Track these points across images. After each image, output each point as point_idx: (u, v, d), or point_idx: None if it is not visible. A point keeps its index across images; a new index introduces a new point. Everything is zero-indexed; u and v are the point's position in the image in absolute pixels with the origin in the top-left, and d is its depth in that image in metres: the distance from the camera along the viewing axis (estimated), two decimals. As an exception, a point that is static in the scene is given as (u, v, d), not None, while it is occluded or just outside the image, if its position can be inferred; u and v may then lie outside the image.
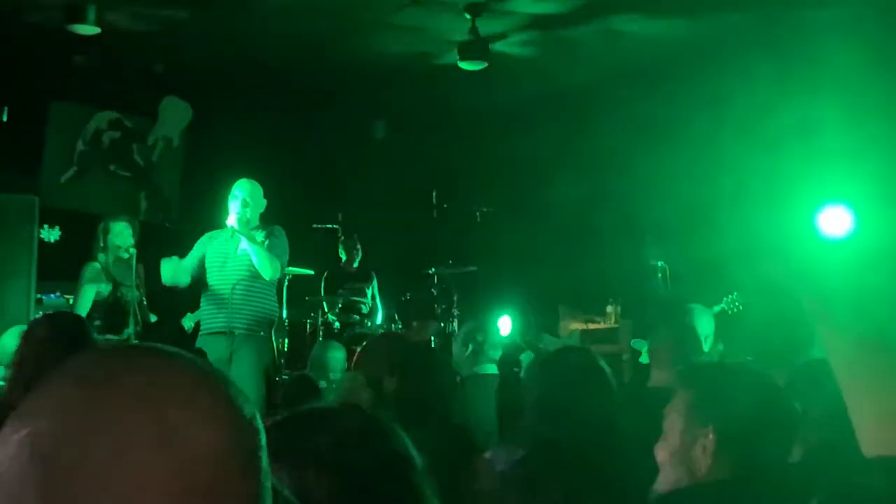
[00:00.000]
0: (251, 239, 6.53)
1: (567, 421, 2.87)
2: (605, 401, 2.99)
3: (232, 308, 6.47)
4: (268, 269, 6.51)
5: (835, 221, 7.24)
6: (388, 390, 3.64)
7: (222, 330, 6.46)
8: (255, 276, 6.54)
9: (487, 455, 3.12)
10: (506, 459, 3.09)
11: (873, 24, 7.14)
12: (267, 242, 6.62)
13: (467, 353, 5.95)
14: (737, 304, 7.34)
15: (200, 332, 6.75)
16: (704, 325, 5.40)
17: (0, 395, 3.80)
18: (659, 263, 7.84)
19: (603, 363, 3.18)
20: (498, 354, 5.96)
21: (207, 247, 6.74)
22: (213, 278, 6.65)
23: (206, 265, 6.69)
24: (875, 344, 4.25)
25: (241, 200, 6.62)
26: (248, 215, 6.64)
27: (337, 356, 6.22)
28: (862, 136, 7.14)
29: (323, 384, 6.04)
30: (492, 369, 5.66)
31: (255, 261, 6.50)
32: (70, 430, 0.75)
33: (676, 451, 2.29)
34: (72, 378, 0.80)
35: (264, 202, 6.84)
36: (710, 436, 2.26)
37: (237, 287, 6.52)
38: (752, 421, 2.29)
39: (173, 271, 6.55)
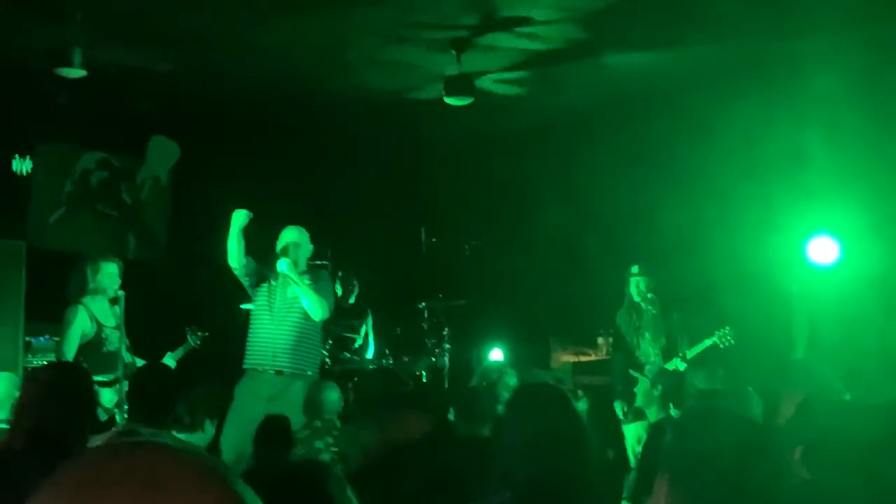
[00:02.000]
0: (300, 282, 6.91)
1: (545, 460, 2.87)
2: (582, 440, 3.01)
3: (281, 349, 6.93)
4: (317, 310, 6.94)
5: (823, 250, 7.31)
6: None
7: (271, 369, 6.91)
8: (304, 317, 6.96)
9: None
10: None
11: (859, 55, 7.19)
12: (314, 285, 6.99)
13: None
14: (728, 337, 7.34)
15: (247, 369, 7.07)
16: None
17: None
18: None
19: (570, 397, 3.21)
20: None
21: (260, 279, 7.14)
22: (262, 319, 7.06)
23: (255, 304, 7.14)
24: (859, 372, 4.25)
25: (290, 245, 7.05)
26: (296, 259, 7.03)
27: (331, 397, 6.23)
28: (848, 167, 7.20)
29: (318, 424, 6.07)
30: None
31: (304, 303, 6.91)
32: None
33: None
34: (65, 487, 0.82)
35: (311, 247, 7.27)
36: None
37: (287, 328, 6.95)
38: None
39: (238, 237, 6.97)
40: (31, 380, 3.75)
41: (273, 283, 7.09)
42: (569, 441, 2.93)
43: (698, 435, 2.29)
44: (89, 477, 0.82)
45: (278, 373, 6.91)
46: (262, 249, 9.05)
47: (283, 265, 6.97)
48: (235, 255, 7.03)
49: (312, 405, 6.19)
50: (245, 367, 7.11)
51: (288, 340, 6.97)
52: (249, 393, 6.90)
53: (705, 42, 7.81)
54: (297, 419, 6.02)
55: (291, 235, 7.16)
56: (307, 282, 6.98)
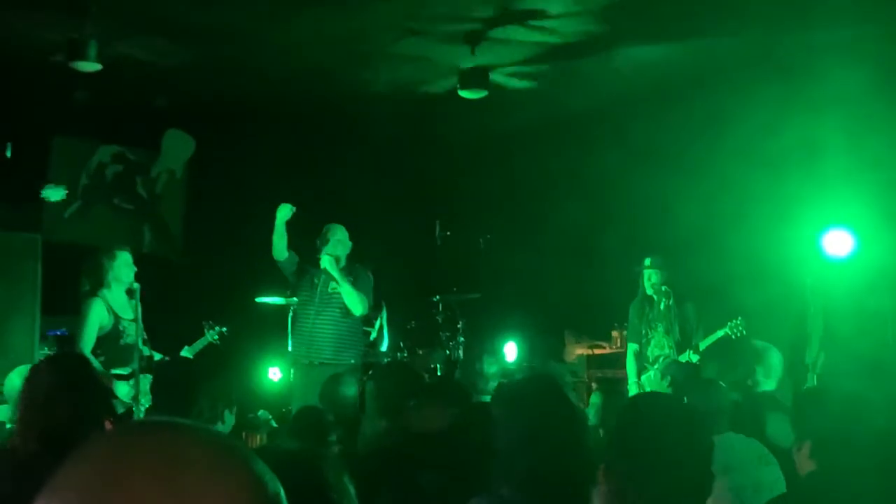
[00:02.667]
0: (341, 279, 7.26)
1: (544, 455, 2.85)
2: (578, 428, 2.98)
3: (324, 341, 7.35)
4: (357, 305, 7.31)
5: (838, 243, 7.29)
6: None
7: (317, 360, 7.29)
8: (345, 311, 7.34)
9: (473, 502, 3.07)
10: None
11: (875, 46, 7.15)
12: (354, 282, 7.35)
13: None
14: (740, 328, 7.32)
15: (295, 360, 7.51)
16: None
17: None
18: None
19: (567, 390, 3.16)
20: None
21: (302, 274, 7.52)
22: (306, 313, 7.44)
23: (299, 298, 7.52)
24: (876, 364, 4.24)
25: (332, 242, 7.40)
26: (338, 255, 7.38)
27: (347, 392, 6.24)
28: (863, 159, 7.16)
29: (330, 418, 6.07)
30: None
31: (345, 299, 7.29)
32: None
33: None
34: (90, 461, 0.82)
35: (350, 244, 7.56)
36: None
37: (329, 322, 7.36)
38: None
39: (282, 231, 7.39)
40: (33, 376, 3.62)
41: (315, 278, 7.41)
42: (564, 432, 2.90)
43: (632, 423, 2.32)
44: (113, 453, 0.82)
45: (323, 364, 7.20)
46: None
47: (325, 262, 7.28)
48: (279, 248, 7.42)
49: (328, 399, 6.20)
50: (293, 358, 7.54)
51: (330, 333, 7.36)
52: (306, 383, 7.14)
53: (720, 35, 7.79)
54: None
55: (334, 233, 7.48)
56: (349, 278, 7.31)
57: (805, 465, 2.82)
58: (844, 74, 6.98)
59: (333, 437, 4.95)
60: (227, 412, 5.17)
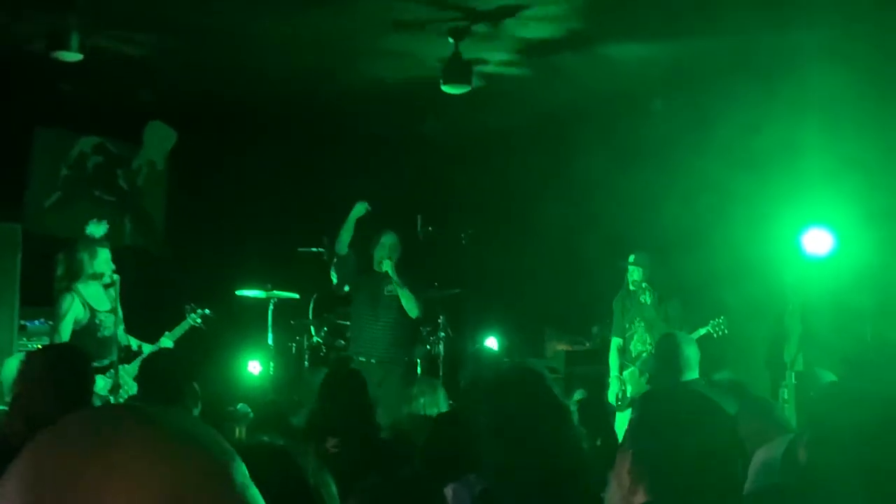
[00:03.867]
0: (401, 283, 7.84)
1: (524, 448, 2.81)
2: (560, 422, 2.94)
3: (382, 340, 7.85)
4: (414, 309, 7.92)
5: (818, 242, 7.32)
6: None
7: (374, 358, 7.77)
8: (401, 312, 7.89)
9: (450, 488, 3.06)
10: (469, 492, 3.04)
11: (855, 46, 7.19)
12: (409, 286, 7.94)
13: None
14: (722, 327, 7.36)
15: (354, 358, 7.92)
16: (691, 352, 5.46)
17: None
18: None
19: (549, 381, 3.08)
20: None
21: (363, 278, 8.05)
22: (364, 313, 7.96)
23: (357, 301, 8.07)
24: (857, 361, 4.27)
25: (390, 248, 7.96)
26: (395, 261, 7.93)
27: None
28: (843, 158, 7.21)
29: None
30: None
31: (404, 302, 7.85)
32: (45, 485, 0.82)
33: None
34: (38, 442, 0.86)
35: (400, 249, 8.12)
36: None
37: (387, 322, 7.87)
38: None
39: (351, 228, 8.03)
40: (28, 363, 3.71)
41: (373, 281, 7.94)
42: (543, 421, 2.87)
43: (658, 414, 2.32)
44: (57, 433, 0.86)
45: (381, 362, 7.73)
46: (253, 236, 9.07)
47: (388, 267, 7.83)
48: (344, 243, 8.03)
49: (308, 389, 6.25)
50: (352, 356, 8.00)
51: (388, 333, 7.87)
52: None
53: (703, 34, 7.80)
54: (397, 401, 6.32)
55: (391, 239, 8.02)
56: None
57: (800, 455, 2.84)
58: (824, 75, 7.02)
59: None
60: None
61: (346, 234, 8.04)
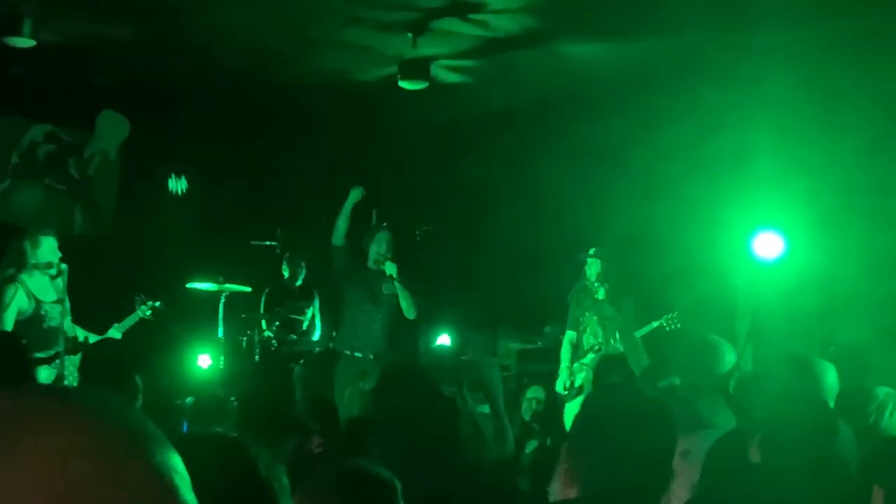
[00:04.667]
0: (404, 285, 7.83)
1: (410, 443, 2.84)
2: (447, 419, 2.97)
3: (382, 337, 7.86)
4: (412, 310, 7.92)
5: (768, 245, 7.39)
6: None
7: (371, 353, 7.74)
8: (398, 313, 7.91)
9: None
10: None
11: (806, 54, 7.28)
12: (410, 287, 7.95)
13: None
14: (675, 321, 7.43)
15: (341, 352, 7.90)
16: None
17: None
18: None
19: (432, 378, 3.18)
20: None
21: (359, 273, 7.95)
22: (360, 310, 7.91)
23: (354, 294, 7.95)
24: (807, 362, 4.32)
25: (391, 248, 7.93)
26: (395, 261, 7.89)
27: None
28: (793, 163, 7.29)
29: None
30: None
31: (403, 303, 7.85)
32: None
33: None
34: None
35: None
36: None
37: (382, 321, 7.87)
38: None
39: (348, 216, 7.86)
40: None
41: (370, 279, 7.92)
42: (426, 417, 2.90)
43: (595, 413, 2.36)
44: None
45: (377, 357, 7.68)
46: (207, 229, 8.98)
47: (391, 269, 7.80)
48: (342, 233, 7.86)
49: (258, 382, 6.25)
50: (341, 350, 7.93)
51: (386, 330, 7.88)
52: (349, 375, 7.53)
53: (658, 36, 7.85)
54: None
55: (388, 237, 8.00)
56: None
57: (754, 456, 2.87)
58: (776, 79, 7.10)
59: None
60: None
61: (343, 224, 7.88)
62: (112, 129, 10.10)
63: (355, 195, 7.94)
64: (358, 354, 7.82)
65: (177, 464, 0.84)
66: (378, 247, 7.96)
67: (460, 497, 2.80)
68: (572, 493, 2.21)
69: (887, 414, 3.77)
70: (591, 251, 7.93)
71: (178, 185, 10.04)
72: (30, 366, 3.86)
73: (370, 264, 7.96)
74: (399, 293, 7.87)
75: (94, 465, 0.78)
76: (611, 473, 2.22)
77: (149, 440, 0.83)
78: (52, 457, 0.77)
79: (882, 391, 3.87)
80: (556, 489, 2.25)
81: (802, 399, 3.13)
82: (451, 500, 2.77)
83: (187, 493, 0.83)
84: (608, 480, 2.21)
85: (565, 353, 7.98)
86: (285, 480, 1.81)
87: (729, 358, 5.16)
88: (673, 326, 7.49)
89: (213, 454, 1.74)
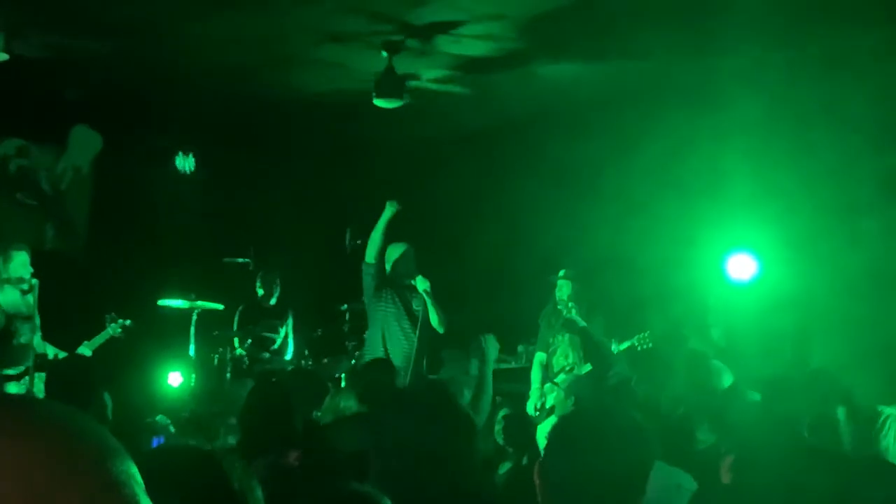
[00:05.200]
0: (432, 299, 7.70)
1: (421, 459, 2.84)
2: (462, 437, 2.96)
3: (413, 352, 7.70)
4: (443, 324, 7.82)
5: (741, 267, 7.43)
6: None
7: (402, 369, 7.47)
8: (427, 326, 7.75)
9: None
10: None
11: (777, 75, 7.34)
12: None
13: None
14: (647, 341, 7.44)
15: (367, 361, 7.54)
16: None
17: None
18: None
19: (454, 398, 3.15)
20: None
21: (389, 291, 7.79)
22: (395, 329, 7.74)
23: (381, 315, 7.78)
24: (777, 384, 4.33)
25: (415, 264, 7.79)
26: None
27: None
28: (766, 184, 7.34)
29: (233, 420, 6.01)
30: None
31: (434, 318, 7.74)
32: None
33: None
34: None
35: None
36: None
37: (412, 337, 7.72)
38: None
39: (384, 231, 7.75)
40: None
41: (397, 294, 7.77)
42: (447, 439, 2.88)
43: (566, 433, 2.41)
44: None
45: (406, 371, 7.56)
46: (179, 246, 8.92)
47: (425, 285, 7.65)
48: (376, 250, 7.76)
49: (231, 400, 6.17)
50: (365, 359, 7.64)
51: (417, 346, 7.72)
52: None
53: (630, 58, 7.91)
54: None
55: (414, 254, 7.90)
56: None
57: (726, 476, 2.87)
58: (743, 101, 7.16)
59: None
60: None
61: (378, 240, 7.77)
62: (84, 143, 10.03)
63: (390, 210, 7.81)
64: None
65: (136, 474, 0.85)
66: (406, 262, 7.81)
67: None
68: None
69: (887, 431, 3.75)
70: (561, 272, 7.94)
71: (185, 163, 9.90)
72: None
73: (402, 281, 7.80)
74: (430, 308, 7.75)
75: (55, 474, 0.79)
76: (581, 493, 2.23)
77: (108, 451, 0.84)
78: (15, 465, 0.78)
79: (888, 410, 3.86)
80: None
81: (776, 423, 3.14)
82: None
83: (145, 502, 0.84)
84: (580, 500, 2.22)
85: (535, 374, 7.98)
86: (259, 493, 1.80)
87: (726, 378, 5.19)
88: (645, 345, 7.50)
89: (185, 466, 1.74)
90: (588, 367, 7.62)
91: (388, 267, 7.83)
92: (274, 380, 8.41)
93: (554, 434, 2.43)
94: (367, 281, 7.83)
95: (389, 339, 7.75)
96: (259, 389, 5.43)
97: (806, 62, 7.24)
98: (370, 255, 7.77)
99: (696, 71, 7.78)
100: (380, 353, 7.69)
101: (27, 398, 0.86)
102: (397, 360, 7.60)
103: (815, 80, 7.20)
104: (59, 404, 0.87)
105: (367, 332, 8.02)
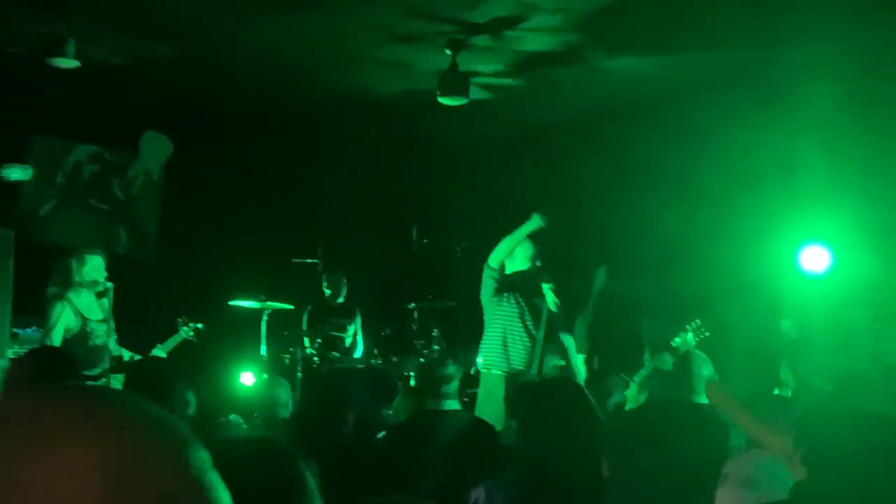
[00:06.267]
0: (555, 297, 7.63)
1: (555, 449, 2.93)
2: (592, 431, 3.04)
3: (536, 354, 7.63)
4: (566, 322, 7.76)
5: (815, 259, 7.30)
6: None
7: (519, 370, 7.50)
8: (545, 326, 7.67)
9: (481, 489, 3.12)
10: (504, 492, 3.10)
11: (853, 63, 7.19)
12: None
13: None
14: (702, 330, 7.31)
15: (489, 372, 7.64)
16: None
17: None
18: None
19: (588, 394, 3.27)
20: None
21: (513, 291, 7.71)
22: (517, 328, 7.67)
23: (506, 312, 7.69)
24: (852, 378, 4.24)
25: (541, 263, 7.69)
26: None
27: (281, 396, 6.34)
28: (840, 176, 7.20)
29: (257, 420, 6.17)
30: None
31: (560, 316, 7.68)
32: None
33: None
34: None
35: None
36: None
37: (537, 336, 7.66)
38: None
39: (521, 240, 7.63)
40: (11, 369, 3.71)
41: (519, 295, 7.69)
42: (579, 430, 3.00)
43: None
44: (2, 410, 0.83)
45: (522, 371, 7.48)
46: (247, 247, 9.02)
47: (551, 286, 7.60)
48: (505, 255, 7.68)
49: (268, 400, 6.30)
50: (498, 371, 7.59)
51: (539, 347, 7.64)
52: (499, 395, 7.35)
53: (700, 49, 7.80)
54: None
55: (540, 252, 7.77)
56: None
57: (798, 472, 2.82)
58: (818, 92, 7.01)
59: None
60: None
61: (509, 247, 7.68)
62: (155, 149, 10.19)
63: (535, 223, 7.61)
64: (505, 370, 7.58)
65: (210, 463, 0.86)
66: (535, 260, 7.73)
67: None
68: None
69: None
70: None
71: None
72: (82, 379, 3.92)
73: (531, 280, 7.71)
74: (555, 309, 7.68)
75: (137, 460, 0.80)
76: (652, 485, 2.25)
77: (186, 439, 0.85)
78: (92, 460, 0.78)
79: None
80: None
81: (851, 418, 3.07)
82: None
83: (223, 493, 0.85)
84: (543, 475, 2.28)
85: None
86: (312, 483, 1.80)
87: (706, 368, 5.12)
88: (701, 335, 7.35)
89: (260, 457, 1.75)
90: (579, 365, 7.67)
91: (513, 267, 7.76)
92: (336, 377, 8.52)
93: (627, 426, 2.44)
94: (489, 283, 7.75)
95: (511, 339, 7.66)
96: (321, 383, 5.48)
97: (881, 52, 7.08)
98: (496, 259, 7.68)
99: (767, 62, 7.65)
100: (497, 354, 7.66)
101: (105, 388, 0.87)
102: (518, 359, 7.61)
103: (889, 70, 7.04)
104: (135, 395, 0.88)
105: (484, 333, 7.85)
